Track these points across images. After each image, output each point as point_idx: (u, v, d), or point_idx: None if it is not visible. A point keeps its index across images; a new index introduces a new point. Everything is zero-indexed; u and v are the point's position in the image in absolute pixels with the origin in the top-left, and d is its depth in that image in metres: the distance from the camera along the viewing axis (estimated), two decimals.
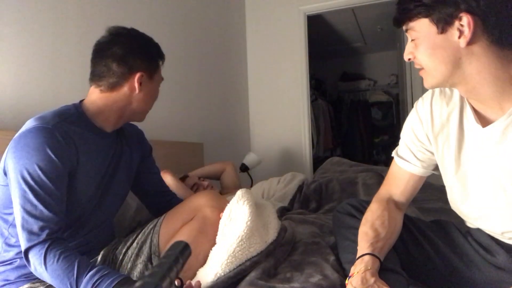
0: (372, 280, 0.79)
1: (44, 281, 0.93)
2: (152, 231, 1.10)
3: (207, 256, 1.04)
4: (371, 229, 0.90)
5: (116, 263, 1.04)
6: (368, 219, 0.93)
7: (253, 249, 1.00)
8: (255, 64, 3.61)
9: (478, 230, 0.91)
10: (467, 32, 0.72)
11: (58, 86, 1.72)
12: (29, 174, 0.87)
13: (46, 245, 0.83)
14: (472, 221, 0.91)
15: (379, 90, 5.28)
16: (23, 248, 0.85)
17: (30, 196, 0.86)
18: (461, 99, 0.85)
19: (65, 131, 0.95)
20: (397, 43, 3.81)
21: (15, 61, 1.54)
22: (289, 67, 3.47)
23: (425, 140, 0.91)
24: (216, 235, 1.06)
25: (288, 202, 1.89)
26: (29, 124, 0.94)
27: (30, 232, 0.84)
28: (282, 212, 1.68)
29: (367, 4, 3.28)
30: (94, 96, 1.07)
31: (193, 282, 0.91)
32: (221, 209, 1.09)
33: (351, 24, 4.17)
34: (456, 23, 0.73)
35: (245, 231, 1.00)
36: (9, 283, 0.96)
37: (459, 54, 0.75)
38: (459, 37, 0.73)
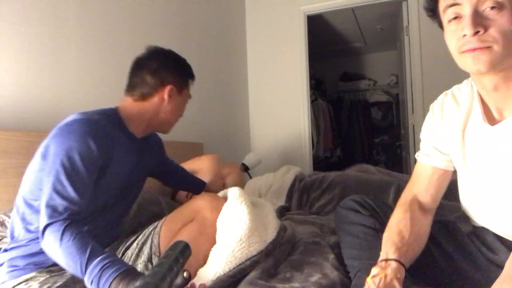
0: None
1: (50, 271, 0.97)
2: (152, 232, 1.11)
3: (207, 256, 1.04)
4: (395, 233, 0.86)
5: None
6: (391, 224, 0.90)
7: (253, 248, 1.01)
8: (255, 64, 3.61)
9: (483, 228, 0.91)
10: None
11: (58, 86, 1.72)
12: (68, 157, 0.93)
13: (66, 223, 0.87)
14: (478, 219, 0.91)
15: (379, 90, 5.28)
16: (42, 224, 0.88)
17: (63, 177, 0.91)
18: (471, 99, 0.86)
19: (105, 128, 1.04)
20: (397, 43, 3.80)
21: (15, 61, 1.54)
22: (289, 67, 3.47)
23: (442, 136, 0.93)
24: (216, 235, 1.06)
25: (285, 194, 1.89)
26: (75, 116, 1.03)
27: (54, 209, 0.89)
28: (282, 212, 1.68)
29: (367, 4, 3.28)
30: (127, 104, 1.17)
31: (196, 283, 0.92)
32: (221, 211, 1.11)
33: (351, 24, 4.17)
34: None
35: (244, 231, 1.00)
36: (17, 269, 0.98)
37: None
38: None
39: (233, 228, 1.02)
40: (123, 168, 1.10)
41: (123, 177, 1.11)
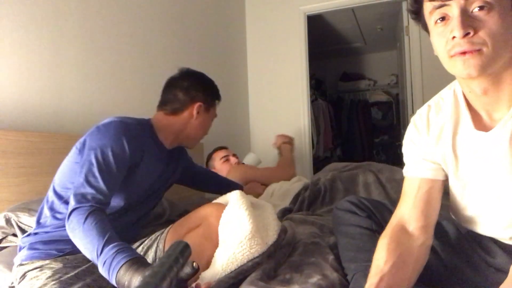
0: None
1: (65, 261, 1.04)
2: (159, 237, 1.15)
3: (211, 261, 1.05)
4: (373, 266, 0.82)
5: None
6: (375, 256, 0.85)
7: (254, 250, 1.01)
8: (255, 64, 3.61)
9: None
10: None
11: (58, 86, 1.72)
12: (102, 152, 1.02)
13: (91, 209, 0.93)
14: (473, 227, 0.90)
15: (379, 90, 5.28)
16: (70, 208, 0.94)
17: (95, 169, 1.00)
18: (456, 107, 0.84)
19: (138, 132, 1.14)
20: (397, 43, 3.81)
21: (15, 61, 1.54)
22: (289, 67, 3.46)
23: (426, 148, 0.89)
24: None
25: (291, 198, 1.89)
26: (112, 118, 1.13)
27: (83, 196, 0.95)
28: (284, 213, 1.68)
29: (367, 4, 3.28)
30: (159, 117, 1.29)
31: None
32: None
33: (351, 24, 4.17)
34: None
35: (244, 233, 1.01)
36: (35, 253, 1.04)
37: None
38: None
39: (234, 230, 1.03)
40: (150, 173, 1.18)
41: (149, 181, 1.19)
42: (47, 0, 1.68)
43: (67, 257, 1.05)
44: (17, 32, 1.55)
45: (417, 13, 0.82)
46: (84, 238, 0.89)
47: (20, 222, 1.27)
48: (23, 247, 1.08)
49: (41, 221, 1.10)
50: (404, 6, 3.14)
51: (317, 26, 3.87)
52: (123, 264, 0.81)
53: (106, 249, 0.85)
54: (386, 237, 0.85)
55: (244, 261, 0.98)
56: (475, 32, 0.69)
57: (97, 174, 0.99)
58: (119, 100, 2.06)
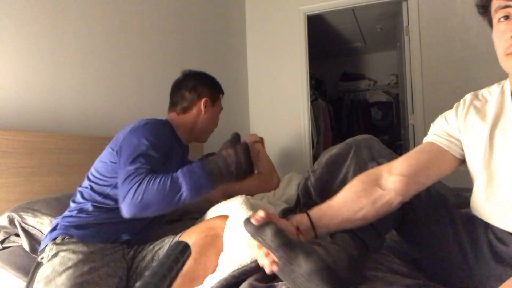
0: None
1: (94, 246, 1.10)
2: (169, 242, 1.19)
3: (216, 268, 1.04)
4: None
5: (136, 258, 1.19)
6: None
7: None
8: (255, 64, 3.61)
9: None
10: None
11: (58, 87, 1.72)
12: (146, 139, 1.13)
13: (150, 172, 1.04)
14: (495, 222, 0.87)
15: (379, 90, 5.28)
16: (126, 174, 1.03)
17: (144, 151, 1.10)
18: (501, 102, 0.85)
19: (168, 130, 1.29)
20: (397, 43, 3.80)
21: (15, 61, 1.54)
22: (289, 67, 3.47)
23: (457, 132, 0.89)
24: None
25: (294, 202, 1.88)
26: (146, 119, 1.23)
27: (137, 167, 1.05)
28: (285, 214, 1.67)
29: (367, 4, 3.28)
30: (172, 117, 1.41)
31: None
32: None
33: (351, 24, 4.17)
34: None
35: (248, 235, 1.01)
36: (71, 233, 1.11)
37: None
38: None
39: (237, 232, 1.03)
40: (174, 163, 1.26)
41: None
42: (47, 0, 1.68)
43: (99, 244, 1.12)
44: (17, 32, 1.55)
45: (485, 8, 0.84)
46: (159, 188, 1.00)
47: (24, 223, 1.27)
48: (58, 227, 1.13)
49: (78, 206, 1.17)
50: (404, 6, 3.13)
51: (317, 26, 3.87)
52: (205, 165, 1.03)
53: (180, 176, 1.02)
54: (360, 175, 0.88)
55: (248, 262, 0.98)
56: None
57: (150, 152, 1.10)
58: (119, 100, 2.06)
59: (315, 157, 4.04)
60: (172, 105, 1.44)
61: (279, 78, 3.50)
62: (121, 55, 2.10)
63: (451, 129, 0.90)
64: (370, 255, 0.90)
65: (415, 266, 0.99)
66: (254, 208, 1.12)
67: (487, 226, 0.90)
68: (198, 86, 1.42)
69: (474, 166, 0.87)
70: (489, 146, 0.84)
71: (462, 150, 0.89)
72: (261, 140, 1.82)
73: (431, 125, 0.96)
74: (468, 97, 0.93)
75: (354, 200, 0.84)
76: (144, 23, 2.29)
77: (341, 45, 4.93)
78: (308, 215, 0.82)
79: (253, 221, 0.74)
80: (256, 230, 0.73)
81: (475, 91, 0.94)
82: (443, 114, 0.94)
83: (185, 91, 1.41)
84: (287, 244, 0.72)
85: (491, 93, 0.90)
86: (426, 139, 0.93)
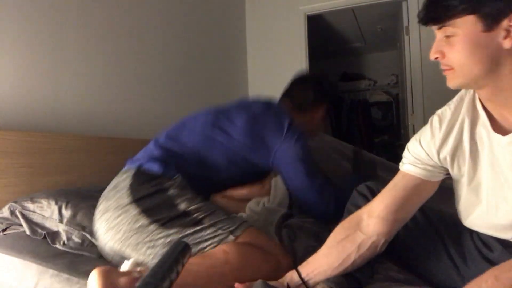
0: None
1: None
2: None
3: None
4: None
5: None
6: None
7: None
8: (255, 64, 3.61)
9: None
10: None
11: (58, 86, 1.72)
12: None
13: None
14: (482, 231, 0.88)
15: (379, 90, 5.27)
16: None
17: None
18: (472, 110, 0.81)
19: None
20: (397, 43, 3.80)
21: (15, 61, 1.54)
22: (289, 67, 3.46)
23: (433, 149, 0.85)
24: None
25: (287, 204, 1.86)
26: (264, 100, 1.34)
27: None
28: (284, 219, 1.65)
29: (367, 4, 3.28)
30: (287, 106, 1.40)
31: None
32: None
33: (351, 24, 4.17)
34: (505, 23, 0.68)
35: None
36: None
37: (499, 55, 0.70)
38: (505, 38, 0.69)
39: None
40: None
41: None
42: (47, 0, 1.68)
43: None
44: (17, 32, 1.55)
45: None
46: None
47: (25, 209, 1.29)
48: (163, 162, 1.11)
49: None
50: (404, 6, 3.13)
51: (317, 26, 3.87)
52: None
53: None
54: (343, 222, 0.90)
55: None
56: (444, 55, 0.76)
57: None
58: (119, 99, 2.06)
59: None
60: (290, 95, 1.42)
61: (279, 78, 3.49)
62: (121, 55, 2.10)
63: (428, 155, 0.85)
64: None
65: (411, 271, 1.00)
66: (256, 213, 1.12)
67: (472, 233, 0.91)
68: (325, 93, 1.40)
69: (458, 178, 0.85)
70: (470, 156, 0.82)
71: (444, 171, 0.86)
72: None
73: (406, 147, 0.91)
74: (441, 110, 0.88)
75: (339, 249, 0.86)
76: (144, 24, 2.29)
77: (341, 45, 4.93)
78: (298, 271, 0.86)
79: None
80: None
81: (448, 103, 0.89)
82: (416, 136, 0.89)
83: (311, 91, 1.38)
84: None
85: (463, 99, 0.85)
86: (402, 167, 0.89)
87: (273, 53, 3.52)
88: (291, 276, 0.87)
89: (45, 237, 1.22)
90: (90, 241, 1.20)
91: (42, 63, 1.65)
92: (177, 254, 0.71)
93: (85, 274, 0.99)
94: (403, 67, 3.32)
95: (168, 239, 0.96)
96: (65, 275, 0.99)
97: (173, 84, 2.45)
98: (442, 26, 0.74)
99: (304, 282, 0.85)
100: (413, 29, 3.02)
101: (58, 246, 1.19)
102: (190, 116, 1.34)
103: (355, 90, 5.35)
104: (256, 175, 1.39)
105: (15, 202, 1.33)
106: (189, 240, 0.96)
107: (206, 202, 1.09)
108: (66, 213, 1.27)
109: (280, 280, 0.86)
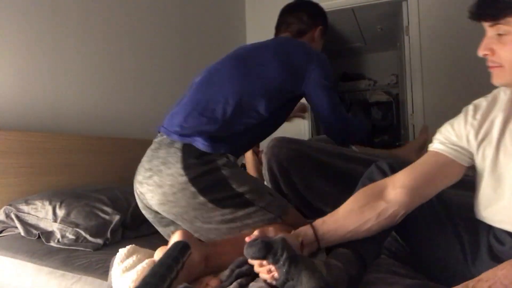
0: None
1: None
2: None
3: None
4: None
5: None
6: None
7: None
8: None
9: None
10: None
11: (58, 87, 1.72)
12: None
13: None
14: (497, 224, 0.87)
15: (379, 90, 5.27)
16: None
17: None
18: (509, 107, 0.83)
19: None
20: (397, 43, 3.80)
21: (15, 61, 1.54)
22: None
23: (463, 137, 0.87)
24: None
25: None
26: (275, 38, 1.40)
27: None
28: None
29: (367, 4, 3.28)
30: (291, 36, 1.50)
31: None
32: None
33: (351, 24, 4.17)
34: None
35: None
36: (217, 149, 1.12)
37: None
38: None
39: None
40: None
41: None
42: (47, 0, 1.68)
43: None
44: (17, 32, 1.55)
45: None
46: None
47: (19, 212, 1.31)
48: (207, 139, 1.11)
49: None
50: (404, 6, 3.13)
51: None
52: None
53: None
54: (364, 188, 0.89)
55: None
56: (494, 52, 0.78)
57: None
58: (119, 99, 2.06)
59: None
60: (286, 25, 1.45)
61: None
62: (121, 55, 2.10)
63: (458, 138, 0.87)
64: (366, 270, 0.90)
65: (412, 267, 0.99)
66: None
67: (489, 229, 0.90)
68: (317, 14, 1.46)
69: (483, 167, 0.86)
70: (496, 149, 0.83)
71: (470, 157, 0.87)
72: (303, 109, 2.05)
73: (437, 131, 0.93)
74: (476, 102, 0.90)
75: (359, 213, 0.85)
76: (144, 23, 2.29)
77: (341, 45, 4.93)
78: (313, 227, 0.84)
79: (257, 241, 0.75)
80: (266, 245, 0.74)
81: (487, 95, 0.91)
82: (450, 121, 0.91)
83: (303, 14, 1.42)
84: (293, 259, 0.73)
85: (506, 93, 0.87)
86: (431, 147, 0.91)
87: None
88: (305, 232, 0.84)
89: (39, 237, 1.23)
90: (85, 237, 1.21)
91: (42, 63, 1.65)
92: (177, 254, 0.72)
93: (80, 268, 1.02)
94: (403, 67, 3.31)
95: (223, 217, 1.04)
96: (60, 271, 1.02)
97: (173, 84, 2.45)
98: (496, 24, 0.74)
99: (318, 241, 0.83)
100: (413, 29, 3.02)
101: (52, 244, 1.20)
102: (205, 75, 1.36)
103: (355, 90, 5.36)
104: (290, 106, 1.45)
105: (10, 205, 1.34)
106: (240, 221, 1.05)
107: (254, 182, 1.14)
108: (60, 212, 1.27)
109: (294, 233, 0.84)
